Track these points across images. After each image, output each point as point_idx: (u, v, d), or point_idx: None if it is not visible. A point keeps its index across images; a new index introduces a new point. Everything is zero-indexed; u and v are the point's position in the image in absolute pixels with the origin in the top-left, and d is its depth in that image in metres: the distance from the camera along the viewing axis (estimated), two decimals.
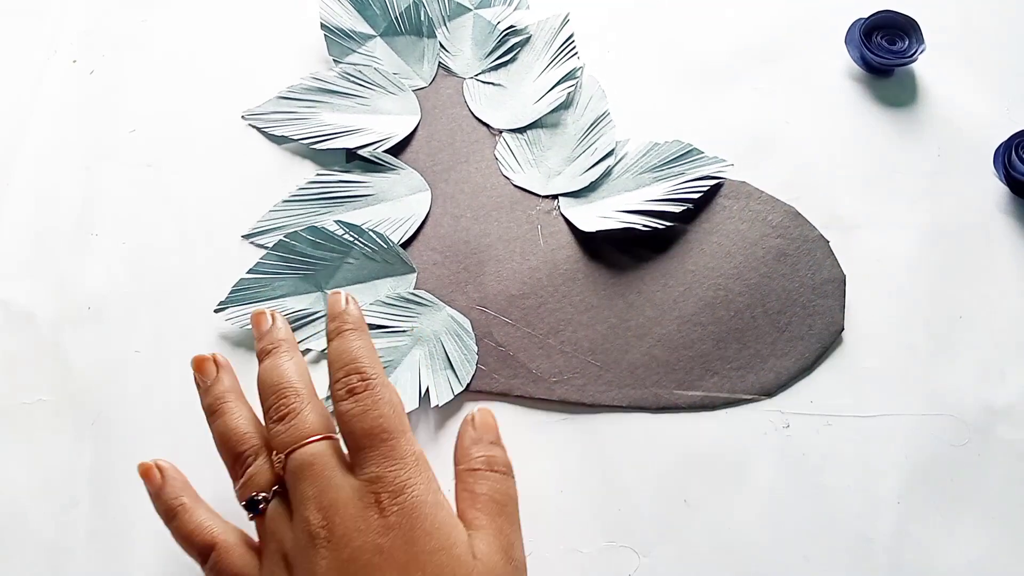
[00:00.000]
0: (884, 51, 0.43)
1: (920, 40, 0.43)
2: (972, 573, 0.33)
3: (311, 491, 0.28)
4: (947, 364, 0.37)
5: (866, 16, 0.44)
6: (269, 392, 0.31)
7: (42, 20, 0.48)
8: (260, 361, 0.33)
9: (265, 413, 0.31)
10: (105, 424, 0.37)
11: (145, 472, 0.32)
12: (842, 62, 0.45)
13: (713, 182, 0.41)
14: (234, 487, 0.31)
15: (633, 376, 0.37)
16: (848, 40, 0.45)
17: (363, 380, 0.30)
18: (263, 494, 0.30)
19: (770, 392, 0.37)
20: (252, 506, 0.30)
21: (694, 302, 0.39)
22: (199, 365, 0.33)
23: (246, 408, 0.32)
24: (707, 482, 0.35)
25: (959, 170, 0.42)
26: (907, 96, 0.44)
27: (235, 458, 0.31)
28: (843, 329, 0.38)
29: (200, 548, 0.30)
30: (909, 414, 0.36)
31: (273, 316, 0.34)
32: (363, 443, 0.29)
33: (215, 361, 0.33)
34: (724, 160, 0.41)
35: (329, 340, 0.32)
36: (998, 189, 0.41)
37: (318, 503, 0.28)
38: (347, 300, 0.33)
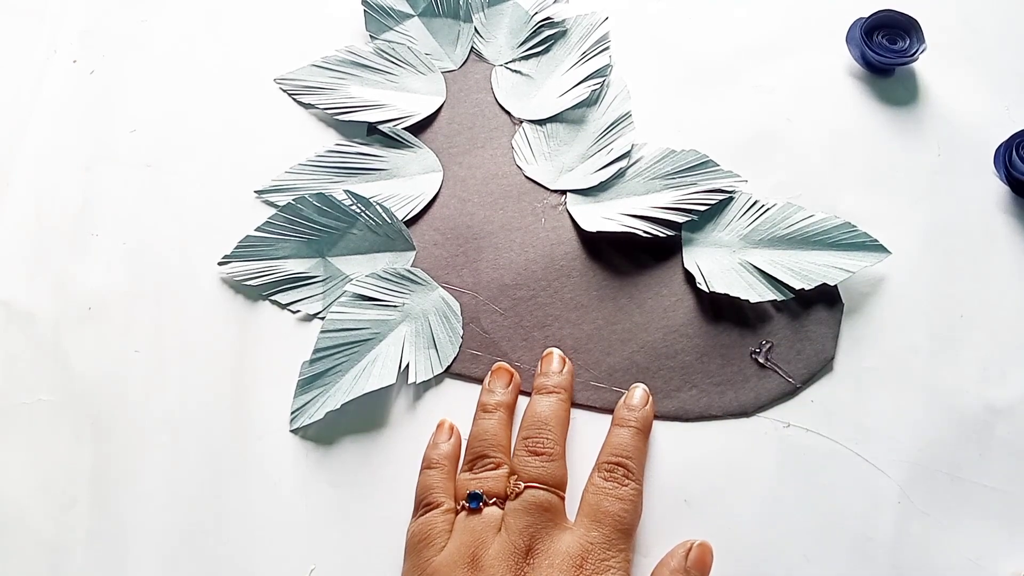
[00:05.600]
0: (885, 50, 0.43)
1: (921, 39, 0.43)
2: (972, 573, 0.33)
3: (534, 528, 0.32)
4: (948, 363, 0.37)
5: (867, 15, 0.44)
6: (534, 424, 0.34)
7: (42, 20, 0.48)
8: (537, 393, 0.36)
9: (523, 438, 0.34)
10: (105, 424, 0.37)
11: (440, 424, 0.36)
12: (843, 61, 0.45)
13: (723, 196, 0.40)
14: (461, 470, 0.35)
15: (611, 379, 0.37)
16: (849, 39, 0.45)
17: (628, 473, 0.33)
18: (492, 499, 0.33)
19: (747, 412, 0.37)
20: (474, 499, 0.33)
21: (684, 313, 0.39)
22: (497, 371, 0.37)
23: (510, 428, 0.36)
24: (707, 482, 0.35)
25: (959, 170, 0.42)
26: (908, 95, 0.44)
27: (481, 456, 0.34)
28: (833, 358, 0.38)
29: (427, 502, 0.34)
30: (909, 413, 0.36)
31: (564, 360, 0.37)
32: (600, 518, 0.32)
33: (511, 377, 0.37)
34: (739, 176, 0.41)
35: (615, 427, 0.35)
36: (998, 189, 0.41)
37: (534, 540, 0.31)
38: (647, 399, 0.36)
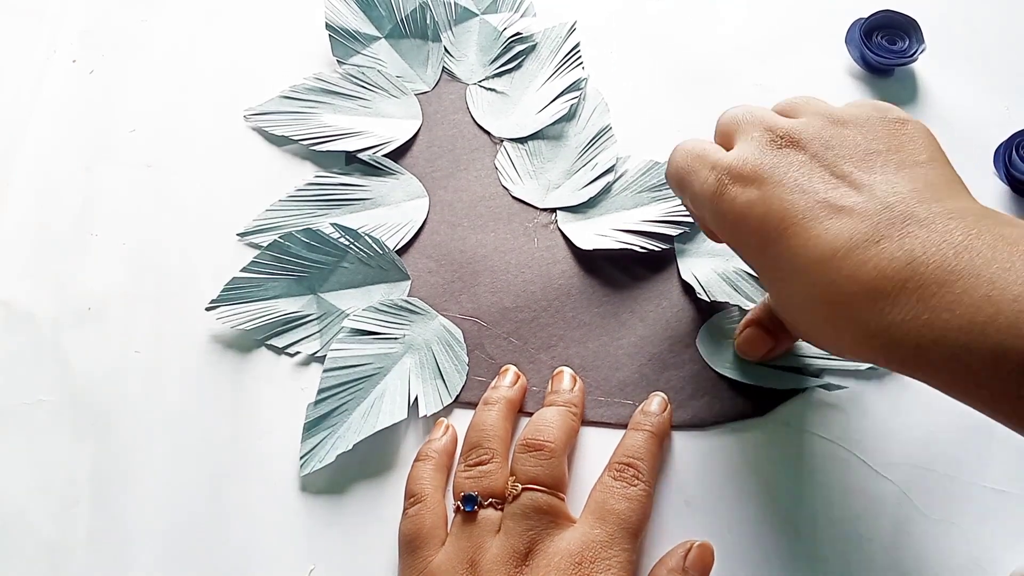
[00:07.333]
0: (884, 51, 0.43)
1: (920, 40, 0.43)
2: (972, 573, 0.33)
3: (533, 532, 0.31)
4: None
5: (866, 16, 0.44)
6: (536, 427, 0.34)
7: (42, 20, 0.48)
8: (545, 405, 0.36)
9: (522, 438, 0.34)
10: (105, 424, 0.37)
11: (438, 423, 0.37)
12: (842, 62, 0.45)
13: None
14: (457, 463, 0.34)
15: (623, 394, 0.37)
16: (848, 40, 0.45)
17: (638, 474, 0.33)
18: (488, 499, 0.32)
19: (761, 414, 0.37)
20: (468, 502, 0.32)
21: (687, 322, 0.39)
22: (504, 371, 0.37)
23: (510, 421, 0.36)
24: (707, 482, 0.35)
25: (959, 170, 0.42)
26: (907, 96, 0.44)
27: (476, 445, 0.34)
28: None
29: (413, 493, 0.34)
30: (909, 414, 0.36)
31: (575, 379, 0.37)
32: (604, 516, 0.31)
33: (518, 377, 0.37)
34: None
35: (630, 431, 0.35)
36: (999, 189, 0.41)
37: (533, 543, 0.31)
38: (665, 406, 0.36)
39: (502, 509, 0.32)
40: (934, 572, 0.33)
